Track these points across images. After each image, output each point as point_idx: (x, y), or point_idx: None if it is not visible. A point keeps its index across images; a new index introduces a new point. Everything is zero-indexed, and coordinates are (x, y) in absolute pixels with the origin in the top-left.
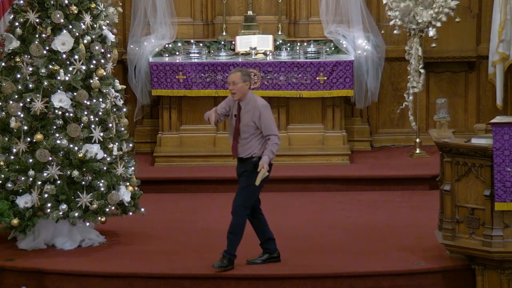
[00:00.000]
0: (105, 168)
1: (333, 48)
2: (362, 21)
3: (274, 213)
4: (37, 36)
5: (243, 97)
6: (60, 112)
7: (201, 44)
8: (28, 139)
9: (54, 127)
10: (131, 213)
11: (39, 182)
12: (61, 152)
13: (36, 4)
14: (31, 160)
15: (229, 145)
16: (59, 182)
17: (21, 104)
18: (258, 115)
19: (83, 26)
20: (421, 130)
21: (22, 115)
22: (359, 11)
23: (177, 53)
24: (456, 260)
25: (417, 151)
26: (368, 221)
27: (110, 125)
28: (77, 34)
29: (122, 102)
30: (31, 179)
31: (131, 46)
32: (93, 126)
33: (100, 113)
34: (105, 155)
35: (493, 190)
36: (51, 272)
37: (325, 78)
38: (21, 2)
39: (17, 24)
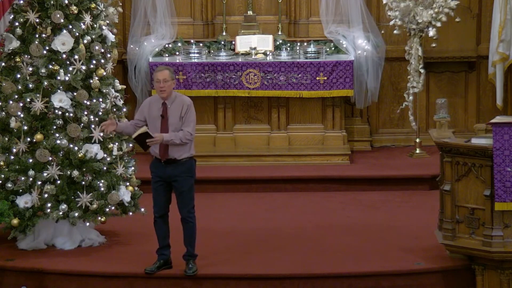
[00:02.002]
0: (105, 168)
1: (333, 48)
2: (362, 21)
3: (274, 213)
4: (37, 36)
5: (170, 95)
6: (60, 112)
7: (201, 44)
8: (28, 139)
9: (54, 127)
10: (131, 213)
11: (39, 182)
12: (61, 152)
13: (36, 4)
14: (31, 160)
15: (229, 145)
16: (59, 182)
17: (21, 104)
18: (186, 109)
19: (83, 26)
20: (421, 130)
21: (22, 115)
22: (359, 11)
23: (177, 53)
24: (456, 260)
25: (417, 151)
26: (368, 221)
27: None
28: (77, 34)
29: (122, 102)
30: (31, 179)
31: (131, 46)
32: (93, 126)
33: (100, 113)
34: (105, 155)
35: (493, 190)
36: (51, 272)
37: (325, 78)
38: (21, 2)
39: (17, 24)
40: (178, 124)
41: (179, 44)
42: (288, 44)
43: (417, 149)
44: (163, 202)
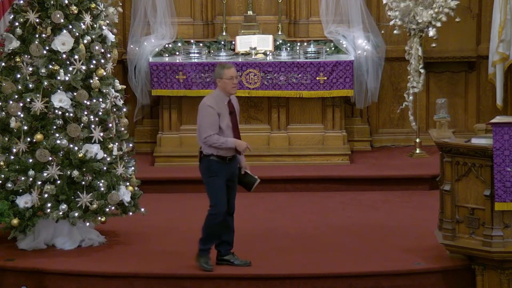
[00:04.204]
0: (105, 168)
1: (333, 48)
2: (362, 21)
3: (274, 213)
4: (37, 36)
5: None
6: (60, 112)
7: (201, 44)
8: (28, 139)
9: (54, 127)
10: (131, 213)
11: (39, 182)
12: (61, 152)
13: (36, 4)
14: (31, 160)
15: None
16: (59, 182)
17: (21, 104)
18: (238, 104)
19: (83, 26)
20: (421, 130)
21: (22, 115)
22: (359, 11)
23: (177, 53)
24: (456, 260)
25: (417, 151)
26: (368, 221)
27: (110, 125)
28: (77, 34)
29: (122, 102)
30: (31, 179)
31: (131, 46)
32: (93, 126)
33: (100, 113)
34: (105, 155)
35: (493, 190)
36: (51, 272)
37: (325, 78)
38: (21, 2)
39: (17, 24)
40: (238, 117)
41: (179, 44)
42: (288, 44)
43: (417, 149)
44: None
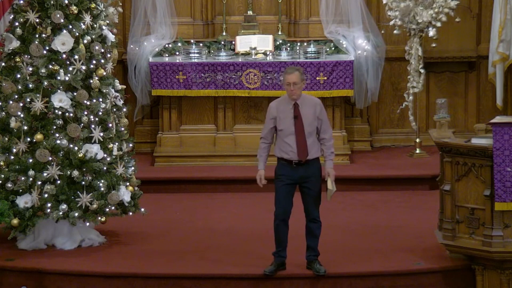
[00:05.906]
0: (105, 168)
1: (333, 48)
2: (362, 21)
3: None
4: (37, 36)
5: (300, 96)
6: (60, 112)
7: (201, 44)
8: (28, 139)
9: (54, 127)
10: (131, 213)
11: (39, 182)
12: (61, 152)
13: (36, 4)
14: (31, 160)
15: (229, 145)
16: (59, 182)
17: (21, 104)
18: (320, 110)
19: (83, 26)
20: (421, 130)
21: (22, 115)
22: (359, 11)
23: (177, 53)
24: (456, 260)
25: (417, 151)
26: (368, 221)
27: (110, 125)
28: (77, 34)
29: (122, 102)
30: (31, 179)
31: (131, 46)
32: (93, 126)
33: (100, 113)
34: (105, 155)
35: (493, 190)
36: (51, 272)
37: (325, 78)
38: (21, 2)
39: (17, 24)
40: (313, 123)
41: (179, 44)
42: (288, 44)
43: (417, 149)
44: (289, 205)
